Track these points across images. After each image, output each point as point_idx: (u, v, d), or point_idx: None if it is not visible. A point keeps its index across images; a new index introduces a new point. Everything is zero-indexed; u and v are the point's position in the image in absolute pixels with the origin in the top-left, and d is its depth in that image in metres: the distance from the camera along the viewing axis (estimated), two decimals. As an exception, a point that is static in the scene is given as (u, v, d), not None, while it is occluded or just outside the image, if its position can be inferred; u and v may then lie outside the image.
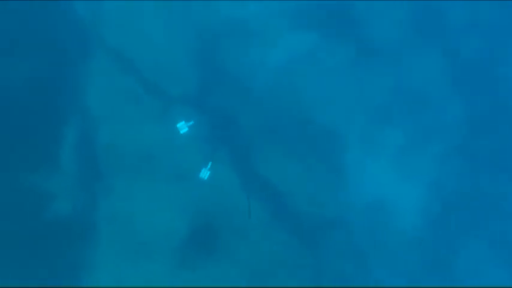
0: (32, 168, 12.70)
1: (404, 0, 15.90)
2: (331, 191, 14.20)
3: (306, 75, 15.38)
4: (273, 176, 13.90)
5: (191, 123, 13.18)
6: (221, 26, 15.19)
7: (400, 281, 14.58)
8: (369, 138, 15.46)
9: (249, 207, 12.18)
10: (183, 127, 12.97)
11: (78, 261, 12.59)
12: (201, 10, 14.89)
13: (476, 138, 15.74)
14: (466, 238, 15.15)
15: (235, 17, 15.34)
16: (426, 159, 15.44)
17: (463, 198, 15.39)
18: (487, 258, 15.06)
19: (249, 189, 12.95)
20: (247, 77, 15.29)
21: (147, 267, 12.79)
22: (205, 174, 12.95)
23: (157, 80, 13.95)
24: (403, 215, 15.10)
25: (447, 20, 16.47)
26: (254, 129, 14.15)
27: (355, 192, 14.79)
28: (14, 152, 12.86)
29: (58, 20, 14.09)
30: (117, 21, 14.07)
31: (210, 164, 13.10)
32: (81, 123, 13.12)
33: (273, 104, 15.19)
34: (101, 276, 12.71)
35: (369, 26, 15.90)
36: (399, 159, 15.48)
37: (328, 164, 14.52)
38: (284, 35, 15.63)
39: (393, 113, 15.80)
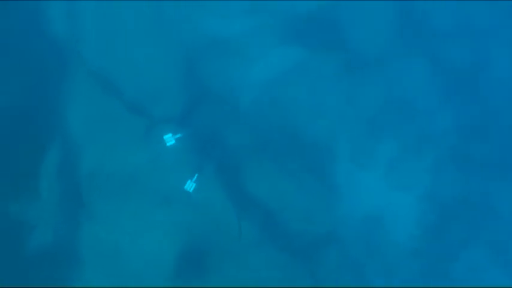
0: (11, 197, 12.02)
1: (389, 9, 15.58)
2: (323, 206, 13.65)
3: (293, 90, 14.90)
4: (263, 193, 13.28)
5: (178, 135, 12.56)
6: (205, 43, 14.72)
7: (400, 293, 13.47)
8: (360, 150, 15.06)
9: (239, 226, 11.40)
10: (169, 139, 12.37)
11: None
12: (185, 28, 14.40)
13: (468, 145, 15.40)
14: (463, 246, 14.72)
15: (220, 35, 14.88)
16: (419, 168, 15.09)
17: (458, 206, 14.99)
18: (486, 265, 14.65)
19: (239, 208, 12.09)
20: (233, 94, 14.78)
21: (136, 296, 11.58)
22: (190, 186, 12.28)
23: (140, 99, 13.31)
24: (399, 227, 14.66)
25: (433, 27, 16.07)
26: (242, 146, 13.57)
27: (349, 206, 14.35)
28: (-8, 180, 11.68)
29: (35, 41, 13.48)
30: (97, 40, 13.46)
31: (196, 176, 12.32)
32: (61, 147, 12.45)
33: (261, 119, 14.69)
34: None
35: (355, 37, 15.51)
36: (391, 170, 15.09)
37: (319, 178, 13.97)
38: (269, 50, 15.18)
39: (383, 124, 15.38)
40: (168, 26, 14.05)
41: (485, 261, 14.58)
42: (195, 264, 11.85)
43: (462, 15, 15.85)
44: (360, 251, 14.14)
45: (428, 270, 14.59)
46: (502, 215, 14.87)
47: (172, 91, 13.53)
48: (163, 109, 13.16)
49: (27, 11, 13.43)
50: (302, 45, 15.20)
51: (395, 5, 15.44)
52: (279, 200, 13.28)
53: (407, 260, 14.44)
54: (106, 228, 11.91)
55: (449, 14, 15.87)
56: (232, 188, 13.20)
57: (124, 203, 12.07)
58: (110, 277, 11.89)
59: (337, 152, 14.57)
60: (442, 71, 15.54)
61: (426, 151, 15.06)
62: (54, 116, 12.68)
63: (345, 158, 14.75)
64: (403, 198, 14.70)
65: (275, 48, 15.15)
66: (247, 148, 13.52)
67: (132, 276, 11.93)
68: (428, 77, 15.48)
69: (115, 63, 13.30)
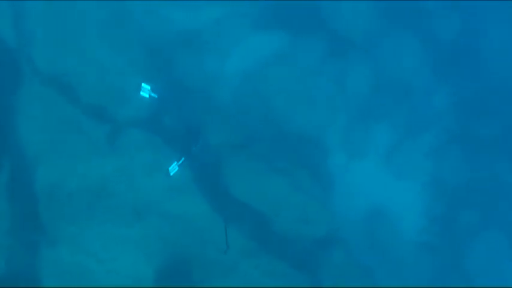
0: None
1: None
2: (319, 204, 11.87)
3: (276, 79, 13.05)
4: (250, 195, 11.29)
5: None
6: (173, 38, 12.87)
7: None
8: (353, 140, 13.45)
9: (226, 235, 8.88)
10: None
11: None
12: (148, 23, 12.55)
13: (469, 122, 13.98)
14: (476, 234, 13.23)
15: (188, 27, 13.07)
16: (419, 154, 13.65)
17: (466, 190, 13.48)
18: (504, 253, 13.13)
19: (224, 214, 10.20)
20: (209, 88, 12.85)
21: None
22: (173, 169, 10.44)
23: (102, 104, 11.28)
24: (404, 220, 13.10)
25: (418, 1, 14.37)
26: (223, 144, 11.63)
27: (347, 203, 12.74)
28: None
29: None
30: (50, 42, 11.44)
31: (182, 159, 10.49)
32: (14, 163, 10.42)
33: (242, 113, 12.79)
34: None
35: (338, 18, 13.80)
36: (390, 158, 13.51)
37: (312, 174, 12.16)
38: (245, 38, 13.39)
39: (376, 109, 13.75)
40: (129, 22, 12.20)
41: (502, 249, 13.09)
42: (177, 283, 9.24)
43: (447, -15, 13.50)
44: (365, 250, 12.44)
45: (440, 264, 12.96)
46: (512, 194, 12.35)
47: (137, 92, 11.28)
48: (129, 112, 10.85)
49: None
50: (281, 29, 13.48)
51: (378, -18, 13.05)
52: (269, 202, 11.30)
53: (417, 255, 12.90)
54: (70, 251, 9.87)
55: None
56: (214, 191, 11.13)
57: (89, 221, 10.01)
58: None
59: (329, 144, 13.05)
60: (433, 47, 14.09)
61: (425, 134, 13.66)
62: (4, 127, 10.60)
63: (339, 150, 13.16)
64: (406, 188, 13.23)
65: (251, 35, 13.43)
66: (229, 146, 11.56)
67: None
68: (419, 55, 14.02)
69: (72, 66, 11.33)
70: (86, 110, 10.93)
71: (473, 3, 14.29)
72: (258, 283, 10.17)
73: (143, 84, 10.70)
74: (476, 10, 14.27)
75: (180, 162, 9.96)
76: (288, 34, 13.40)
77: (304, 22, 13.47)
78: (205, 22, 13.11)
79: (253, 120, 12.73)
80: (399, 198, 13.07)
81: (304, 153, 12.36)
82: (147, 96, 10.83)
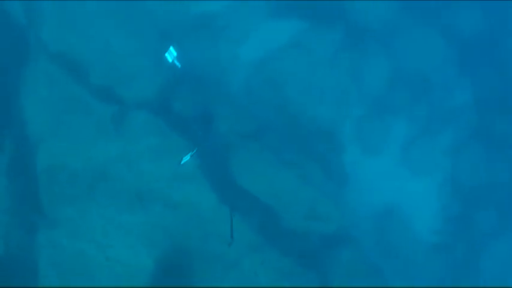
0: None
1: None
2: (330, 200, 11.19)
3: (289, 68, 12.41)
4: (259, 187, 10.66)
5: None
6: (187, 20, 12.21)
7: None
8: (368, 134, 12.79)
9: (231, 227, 8.29)
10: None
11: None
12: (161, 7, 11.88)
13: (490, 120, 13.29)
14: (493, 236, 12.67)
15: (202, 12, 12.38)
16: (437, 151, 13.01)
17: (484, 190, 12.85)
18: None
19: (231, 206, 9.68)
20: (222, 75, 12.25)
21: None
22: (185, 158, 9.68)
23: (111, 85, 10.66)
24: (418, 219, 12.50)
25: (443, -6, 12.83)
26: (233, 133, 11.00)
27: (359, 199, 12.12)
28: None
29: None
30: (59, 22, 10.83)
31: (195, 150, 9.83)
32: (16, 141, 9.93)
33: (254, 104, 12.17)
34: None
35: (357, 8, 13.03)
36: (406, 154, 12.87)
37: (323, 168, 11.51)
38: (260, 25, 12.71)
39: (393, 103, 13.07)
40: (141, 3, 11.50)
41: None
42: (178, 275, 8.59)
43: (471, -24, 12.70)
44: (376, 250, 11.83)
45: (454, 267, 12.38)
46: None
47: (147, 74, 10.94)
48: (138, 95, 10.31)
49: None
50: (297, 17, 12.75)
51: (399, -29, 12.33)
52: (278, 196, 10.66)
53: (430, 256, 12.30)
54: (69, 234, 9.33)
55: (457, -24, 12.72)
56: (221, 182, 10.50)
57: (90, 205, 9.48)
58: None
59: (342, 138, 12.38)
60: (454, 40, 13.32)
61: (444, 130, 13.01)
62: (9, 105, 10.08)
63: (352, 144, 12.50)
64: (422, 186, 12.60)
65: (266, 22, 12.74)
66: (239, 135, 10.94)
67: (102, 288, 8.60)
68: (440, 48, 13.30)
69: (81, 46, 10.77)
70: (94, 90, 10.37)
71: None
72: (263, 280, 9.41)
73: (171, 48, 10.01)
74: (500, 3, 13.55)
75: (194, 152, 9.20)
76: (304, 22, 12.76)
77: (321, 11, 12.76)
78: (220, 7, 12.49)
79: (264, 110, 12.15)
80: (414, 197, 12.48)
81: (317, 146, 11.63)
82: (170, 60, 10.15)
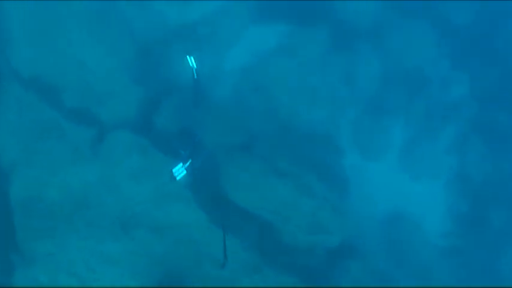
0: None
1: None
2: (332, 210, 10.28)
3: (279, 74, 11.65)
4: (254, 202, 9.73)
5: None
6: (166, 32, 11.55)
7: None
8: (366, 137, 12.01)
9: (224, 246, 7.10)
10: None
11: None
12: (139, 17, 11.21)
13: (492, 113, 12.52)
14: (508, 236, 11.80)
15: (184, 20, 11.78)
16: (439, 149, 12.20)
17: (492, 188, 11.99)
18: None
19: (223, 223, 8.77)
20: (208, 84, 11.41)
21: None
22: (179, 172, 8.92)
23: (86, 107, 9.90)
24: (427, 223, 11.62)
25: (432, -14, 12.07)
26: (222, 147, 10.17)
27: (363, 207, 11.23)
28: None
29: None
30: (29, 41, 10.14)
31: (189, 162, 9.04)
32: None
33: (243, 113, 11.36)
34: None
35: (343, 7, 12.40)
36: (407, 156, 12.09)
37: (321, 177, 10.59)
38: (245, 31, 12.06)
39: (389, 102, 12.33)
40: (116, 17, 10.88)
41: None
42: None
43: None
44: (385, 259, 10.90)
45: (469, 271, 11.49)
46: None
47: (126, 92, 10.19)
48: (115, 114, 9.62)
49: None
50: (282, 21, 12.09)
51: (384, -36, 11.60)
52: (274, 209, 9.76)
53: (442, 262, 11.38)
54: (48, 271, 8.43)
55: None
56: (212, 199, 9.60)
57: (70, 236, 8.59)
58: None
59: (339, 142, 11.61)
60: (449, 32, 12.62)
61: (444, 127, 12.20)
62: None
63: (350, 148, 11.71)
64: (427, 188, 11.77)
65: (250, 28, 12.08)
66: (229, 147, 10.13)
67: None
68: (434, 41, 12.59)
69: (53, 67, 10.02)
70: (68, 113, 9.51)
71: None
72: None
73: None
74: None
75: (187, 164, 8.13)
76: (290, 25, 12.07)
77: (306, 12, 12.05)
78: (200, 16, 11.81)
79: (254, 119, 11.29)
80: (420, 199, 11.63)
81: (312, 152, 10.69)
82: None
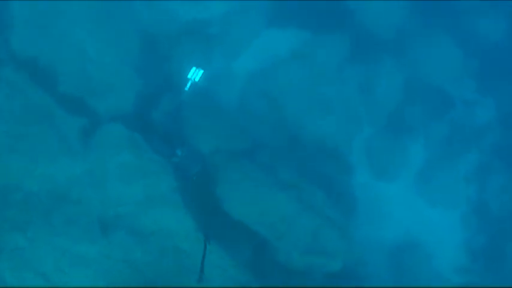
0: None
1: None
2: (336, 231, 9.24)
3: (290, 80, 10.89)
4: (250, 215, 8.83)
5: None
6: (175, 28, 10.76)
7: None
8: (380, 156, 11.22)
9: (203, 261, 6.76)
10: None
11: None
12: (147, 11, 10.47)
13: None
14: None
15: (195, 17, 10.95)
16: (458, 175, 11.39)
17: None
18: None
19: (207, 235, 7.99)
20: (213, 86, 10.67)
21: None
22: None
23: (82, 96, 9.15)
24: (440, 255, 10.82)
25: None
26: (221, 152, 9.36)
27: (370, 231, 10.51)
28: None
29: None
30: (31, 24, 9.51)
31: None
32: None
33: (249, 119, 10.64)
34: None
35: (364, 12, 11.55)
36: (423, 179, 11.29)
37: (328, 193, 9.68)
38: (258, 34, 11.34)
39: (408, 121, 11.54)
40: (123, 8, 10.17)
41: None
42: None
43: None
44: (393, 291, 8.88)
45: None
46: None
47: (125, 85, 9.50)
48: (111, 105, 9.12)
49: None
50: (298, 25, 11.34)
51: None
52: (272, 224, 8.80)
53: None
54: (14, 266, 7.54)
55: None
56: (204, 207, 8.72)
57: (44, 232, 7.73)
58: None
59: (350, 159, 10.82)
60: (474, 51, 11.82)
61: (465, 153, 11.46)
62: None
63: (362, 166, 10.99)
64: (443, 216, 11.04)
65: (264, 31, 11.34)
66: (228, 153, 9.19)
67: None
68: (460, 59, 11.82)
69: (52, 52, 9.33)
70: (61, 101, 8.72)
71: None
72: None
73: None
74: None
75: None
76: (307, 31, 11.33)
77: (326, 18, 11.33)
78: (213, 15, 11.03)
79: (260, 127, 10.55)
80: (434, 228, 10.87)
81: (320, 167, 9.71)
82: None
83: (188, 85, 7.81)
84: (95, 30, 9.18)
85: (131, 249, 7.08)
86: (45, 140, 7.94)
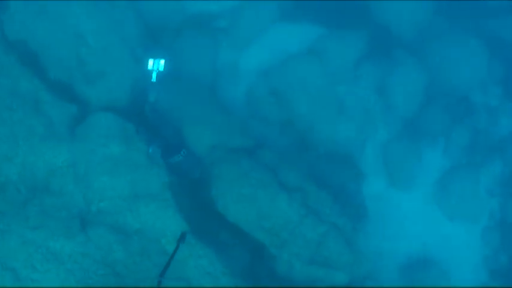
0: None
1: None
2: (343, 240, 8.22)
3: (301, 80, 10.02)
4: (248, 218, 7.87)
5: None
6: (181, 18, 10.15)
7: None
8: (396, 163, 10.17)
9: (168, 264, 6.02)
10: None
11: None
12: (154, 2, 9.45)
13: None
14: None
15: (202, 10, 10.35)
16: (480, 186, 10.31)
17: None
18: None
19: (183, 235, 6.79)
20: (217, 82, 10.09)
21: None
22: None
23: (73, 82, 8.44)
24: (457, 273, 9.75)
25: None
26: (220, 149, 8.48)
27: (382, 243, 9.56)
28: None
29: None
30: (26, 5, 8.58)
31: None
32: None
33: (254, 117, 9.91)
34: None
35: (383, 8, 10.57)
36: (443, 191, 10.22)
37: (337, 198, 8.60)
38: (269, 28, 10.55)
39: (427, 127, 10.53)
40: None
41: None
42: None
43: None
44: (403, 309, 7.83)
45: None
46: None
47: (121, 73, 8.76)
48: (103, 93, 8.41)
49: None
50: (313, 20, 10.52)
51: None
52: (273, 229, 7.81)
53: None
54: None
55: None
56: (197, 207, 7.81)
57: (18, 224, 6.84)
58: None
59: (363, 165, 9.90)
60: (500, 55, 10.81)
61: (488, 162, 10.40)
62: None
63: (375, 173, 10.00)
64: (462, 231, 10.02)
65: (275, 25, 10.57)
66: (228, 150, 8.32)
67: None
68: (484, 63, 10.73)
69: (46, 33, 8.60)
70: (50, 85, 7.98)
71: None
72: None
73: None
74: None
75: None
76: (321, 26, 10.48)
77: (342, 12, 10.49)
78: (222, 7, 10.45)
79: (266, 126, 9.76)
80: (452, 243, 9.88)
81: (329, 171, 8.60)
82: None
83: (154, 76, 6.80)
84: (95, 15, 8.45)
85: (111, 248, 6.05)
86: (30, 126, 7.00)
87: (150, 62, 7.06)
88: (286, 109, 9.61)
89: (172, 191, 6.75)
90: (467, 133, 10.21)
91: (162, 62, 6.91)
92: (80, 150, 7.00)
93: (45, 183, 6.80)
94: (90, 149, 7.03)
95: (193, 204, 7.02)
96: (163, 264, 6.08)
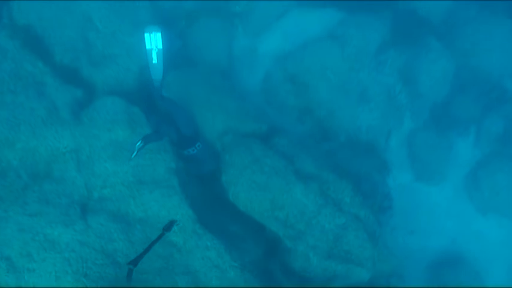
0: None
1: None
2: (365, 234, 7.39)
3: (321, 64, 9.50)
4: (261, 208, 7.19)
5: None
6: (197, 4, 9.74)
7: None
8: (423, 154, 9.66)
9: (144, 252, 5.27)
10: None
11: None
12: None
13: None
14: None
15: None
16: None
17: None
18: None
19: (169, 225, 6.30)
20: (232, 67, 9.65)
21: None
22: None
23: (80, 65, 7.96)
24: (491, 272, 9.11)
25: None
26: (233, 133, 7.82)
27: (408, 239, 9.09)
28: None
29: None
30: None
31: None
32: None
33: (270, 103, 9.57)
34: None
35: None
36: (474, 183, 9.54)
37: (358, 189, 7.79)
38: (288, 12, 10.14)
39: (458, 114, 9.96)
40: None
41: None
42: None
43: None
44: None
45: None
46: None
47: (132, 57, 8.30)
48: (111, 77, 7.95)
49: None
50: (334, 3, 9.95)
51: None
52: (287, 220, 7.13)
53: None
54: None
55: None
56: (205, 195, 7.21)
57: (15, 211, 6.34)
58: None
59: (388, 156, 9.40)
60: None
61: None
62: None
63: (402, 165, 9.57)
64: (496, 227, 9.31)
65: (295, 9, 10.12)
66: (241, 134, 7.82)
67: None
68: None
69: (53, 14, 8.17)
70: (56, 68, 7.51)
71: None
72: None
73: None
74: None
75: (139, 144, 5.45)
76: (342, 10, 9.88)
77: (365, -3, 8.81)
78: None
79: (283, 112, 9.29)
80: (485, 241, 9.16)
81: (349, 159, 7.81)
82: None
83: (154, 56, 6.04)
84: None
85: (112, 237, 5.41)
86: (32, 110, 6.43)
87: (147, 37, 6.25)
88: (304, 96, 8.91)
89: (179, 177, 6.03)
90: (500, 122, 9.22)
91: (159, 36, 6.10)
92: (84, 135, 6.39)
93: (47, 168, 6.25)
94: (94, 134, 6.43)
95: (201, 192, 6.23)
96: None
